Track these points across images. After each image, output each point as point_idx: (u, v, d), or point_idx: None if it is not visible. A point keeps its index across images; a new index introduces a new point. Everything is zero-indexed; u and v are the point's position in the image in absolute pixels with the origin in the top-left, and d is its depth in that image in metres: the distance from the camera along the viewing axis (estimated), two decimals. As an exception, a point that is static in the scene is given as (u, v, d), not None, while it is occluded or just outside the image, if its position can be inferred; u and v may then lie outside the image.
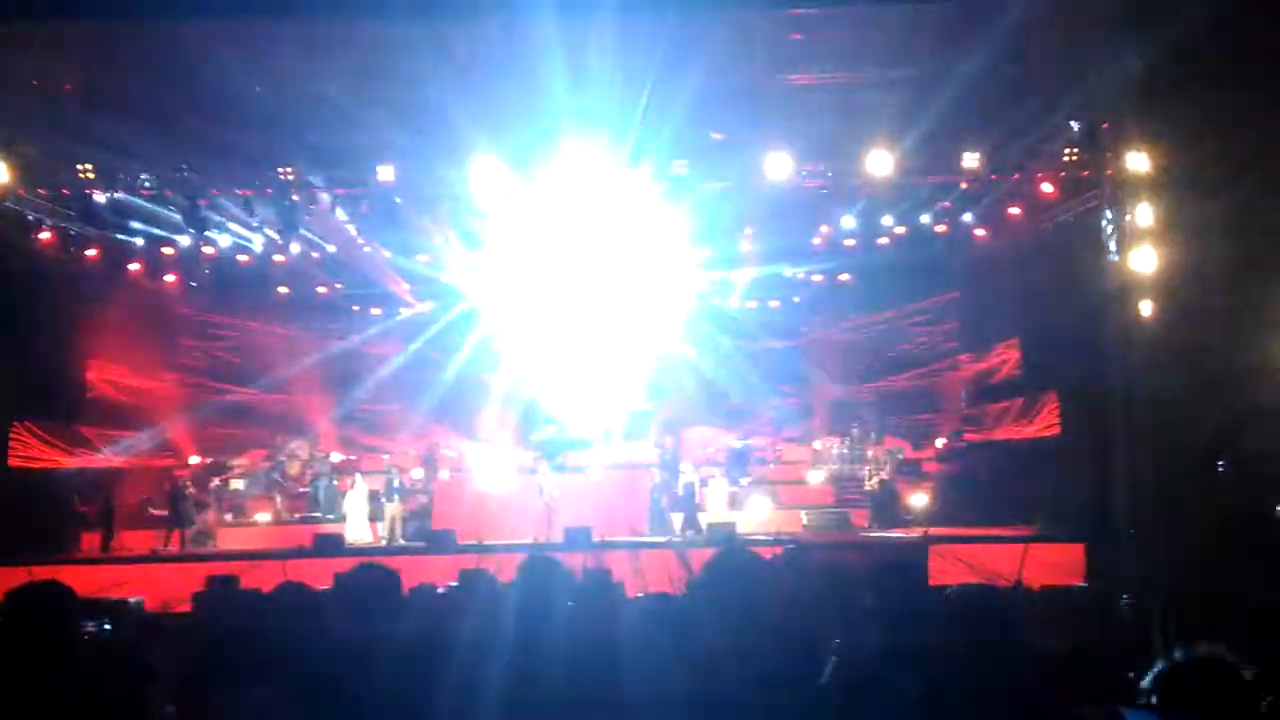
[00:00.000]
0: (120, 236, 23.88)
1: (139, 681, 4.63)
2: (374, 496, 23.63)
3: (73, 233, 22.76)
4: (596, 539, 19.78)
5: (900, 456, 26.78)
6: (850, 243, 25.40)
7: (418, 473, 26.14)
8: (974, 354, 27.76)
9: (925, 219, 23.90)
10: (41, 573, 16.04)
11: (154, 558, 20.31)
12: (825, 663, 4.66)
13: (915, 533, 20.82)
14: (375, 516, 23.26)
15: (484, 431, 28.56)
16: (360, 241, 25.78)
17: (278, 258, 25.60)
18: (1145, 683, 3.34)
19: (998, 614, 4.45)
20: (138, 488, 24.22)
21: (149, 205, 22.44)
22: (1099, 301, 20.03)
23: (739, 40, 19.44)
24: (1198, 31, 15.65)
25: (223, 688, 4.63)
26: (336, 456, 28.13)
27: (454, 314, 29.53)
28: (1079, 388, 21.18)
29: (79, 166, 20.83)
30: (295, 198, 21.84)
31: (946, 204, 23.19)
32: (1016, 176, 21.70)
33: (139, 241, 24.39)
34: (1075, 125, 20.18)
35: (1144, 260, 19.48)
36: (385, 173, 20.99)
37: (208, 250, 24.89)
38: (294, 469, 26.96)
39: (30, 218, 21.79)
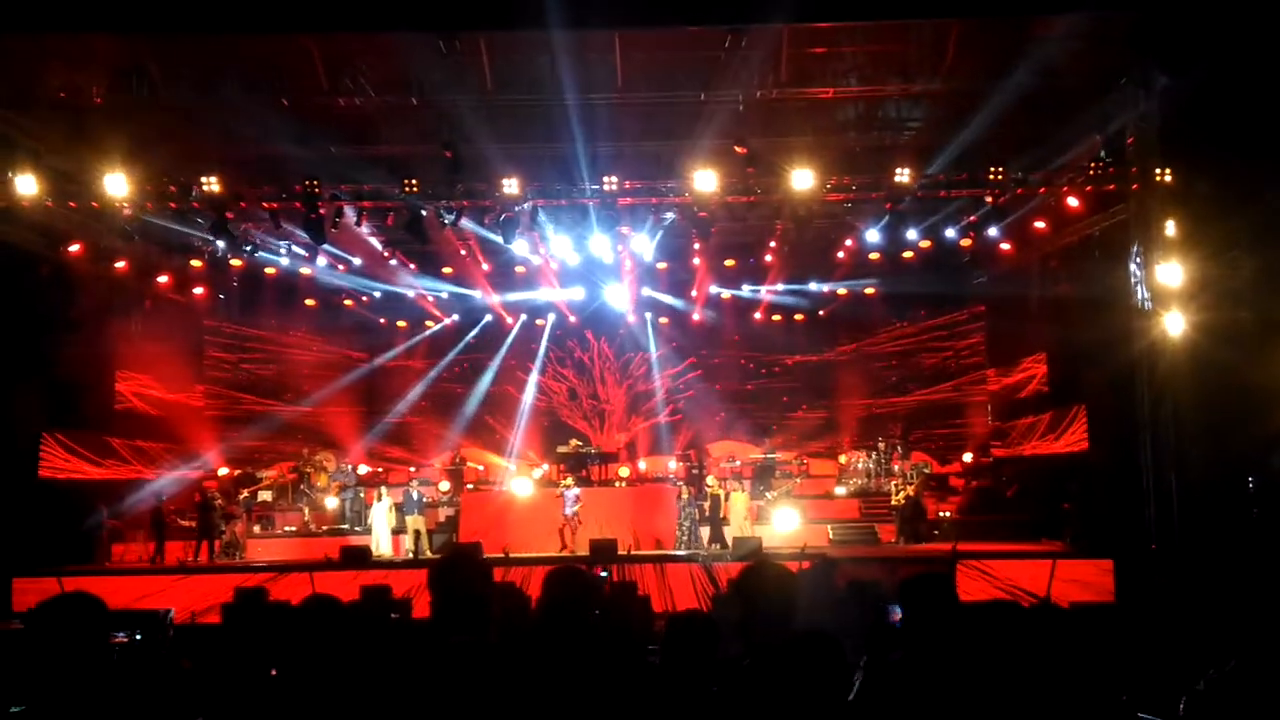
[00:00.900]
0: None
1: (169, 692, 4.66)
2: (399, 509, 23.71)
3: (102, 245, 22.93)
4: (623, 552, 19.79)
5: (926, 471, 26.69)
6: (875, 257, 25.37)
7: (445, 485, 26.23)
8: (1001, 368, 27.65)
9: (951, 233, 23.84)
10: (72, 584, 16.34)
11: (183, 569, 20.41)
12: (853, 679, 4.65)
13: (943, 548, 20.71)
14: (401, 529, 23.33)
15: (511, 444, 28.71)
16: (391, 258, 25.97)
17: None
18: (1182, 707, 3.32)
19: (1025, 631, 4.43)
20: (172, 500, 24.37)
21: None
22: (1126, 316, 19.94)
23: (765, 54, 19.51)
24: (1223, 49, 15.63)
25: (252, 698, 4.66)
26: (363, 469, 28.24)
27: (480, 328, 29.80)
28: (1107, 402, 21.06)
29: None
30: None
31: (972, 218, 23.12)
32: (1043, 190, 21.61)
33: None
34: (1102, 140, 20.10)
35: (1171, 274, 19.39)
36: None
37: (235, 262, 25.05)
38: (320, 481, 27.07)
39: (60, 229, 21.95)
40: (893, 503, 24.35)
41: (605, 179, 20.98)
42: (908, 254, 24.84)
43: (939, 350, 29.33)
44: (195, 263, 24.72)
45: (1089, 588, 17.74)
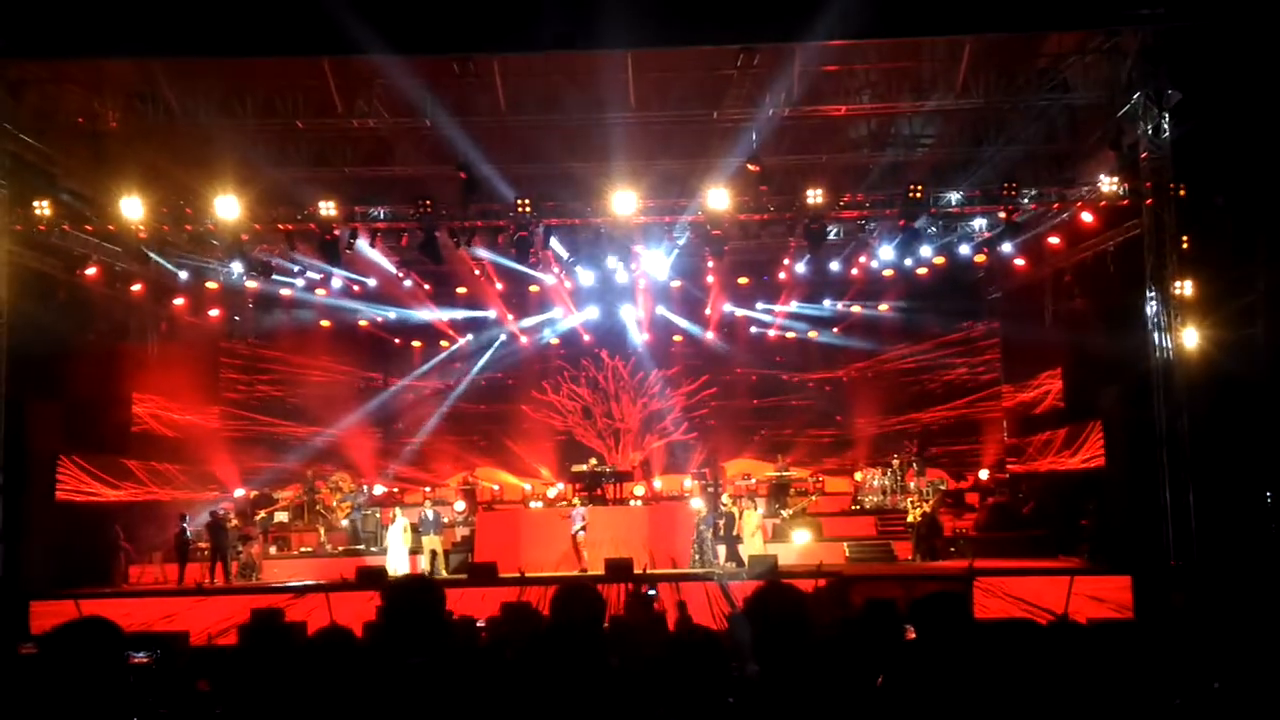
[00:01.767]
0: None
1: (184, 714, 4.67)
2: (414, 529, 23.69)
3: (118, 268, 23.02)
4: (639, 570, 19.73)
5: (942, 488, 26.58)
6: (889, 274, 25.35)
7: (460, 505, 26.21)
8: (1016, 384, 27.56)
9: (965, 249, 23.82)
10: (89, 607, 16.35)
11: (199, 591, 20.41)
12: (869, 697, 4.63)
13: (959, 565, 20.61)
14: (417, 549, 23.31)
15: (525, 464, 28.72)
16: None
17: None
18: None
19: (1044, 649, 4.41)
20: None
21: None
22: (1141, 331, 19.87)
23: (778, 73, 19.58)
24: (1236, 64, 15.62)
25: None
26: (379, 489, 28.26)
27: (495, 347, 29.85)
28: (1123, 417, 20.96)
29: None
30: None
31: (986, 234, 23.11)
32: (1056, 206, 21.58)
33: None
34: (1115, 155, 20.07)
35: (1186, 289, 19.33)
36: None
37: (250, 285, 25.17)
38: (335, 501, 27.09)
39: (76, 253, 22.04)
40: (909, 520, 24.23)
41: (618, 198, 20.98)
42: (922, 270, 24.83)
43: (954, 366, 29.23)
44: (211, 285, 24.81)
45: (1107, 604, 17.61)
